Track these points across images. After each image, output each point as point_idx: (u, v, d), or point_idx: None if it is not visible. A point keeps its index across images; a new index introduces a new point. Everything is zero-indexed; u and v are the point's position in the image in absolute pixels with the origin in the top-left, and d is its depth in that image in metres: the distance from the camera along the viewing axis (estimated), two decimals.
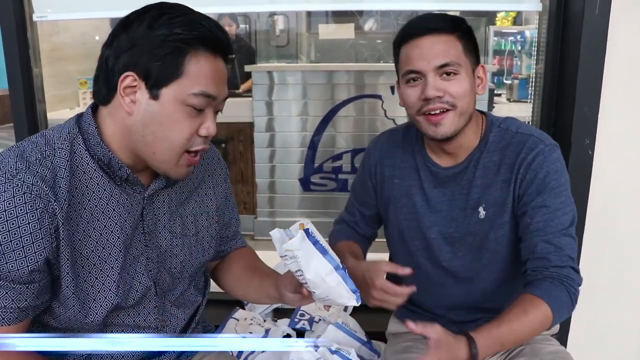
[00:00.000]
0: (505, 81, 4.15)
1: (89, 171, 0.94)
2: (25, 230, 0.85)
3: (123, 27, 0.92)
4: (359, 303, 1.02)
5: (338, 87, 3.09)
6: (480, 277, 1.29)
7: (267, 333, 1.81)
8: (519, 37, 4.03)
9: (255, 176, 3.25)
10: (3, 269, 0.86)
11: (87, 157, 0.94)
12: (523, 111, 3.51)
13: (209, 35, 0.92)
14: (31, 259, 0.87)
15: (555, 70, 1.73)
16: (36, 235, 0.86)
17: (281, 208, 3.26)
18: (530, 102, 1.90)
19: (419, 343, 1.32)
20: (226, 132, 3.29)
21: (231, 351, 1.71)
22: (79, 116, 0.98)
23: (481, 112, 1.29)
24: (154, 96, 0.91)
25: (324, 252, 0.98)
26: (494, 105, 3.40)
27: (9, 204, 0.84)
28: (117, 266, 0.98)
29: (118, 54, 0.91)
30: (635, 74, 1.64)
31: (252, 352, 1.76)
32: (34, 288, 0.90)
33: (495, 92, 3.64)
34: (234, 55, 0.99)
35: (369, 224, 1.47)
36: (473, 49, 1.22)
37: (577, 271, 1.18)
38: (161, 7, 0.93)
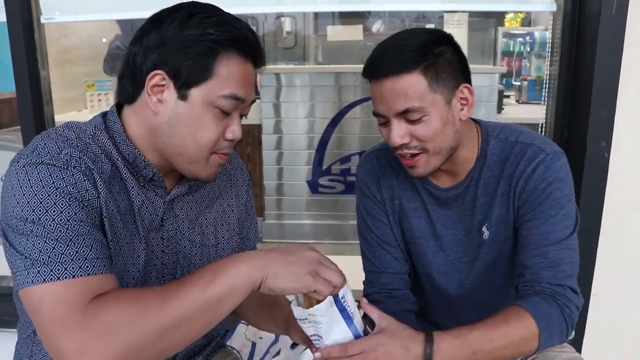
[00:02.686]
0: (514, 83, 4.12)
1: (118, 168, 0.91)
2: (76, 189, 0.82)
3: (153, 24, 0.90)
4: None
5: (346, 88, 3.07)
6: (493, 299, 1.19)
7: (277, 338, 1.79)
8: (528, 38, 3.99)
9: (263, 178, 3.23)
10: (73, 221, 0.80)
11: (116, 153, 0.91)
12: (532, 113, 3.50)
13: (241, 37, 0.90)
14: (89, 212, 0.83)
15: (570, 71, 1.71)
16: (86, 200, 0.83)
17: (289, 211, 3.24)
18: (542, 103, 1.88)
19: None
20: None
21: (240, 355, 1.70)
22: (104, 114, 0.96)
23: (475, 121, 1.19)
24: (183, 96, 0.89)
25: (349, 320, 0.90)
26: (502, 107, 3.37)
27: (57, 175, 0.81)
28: (138, 268, 0.94)
29: (147, 51, 0.89)
30: None
31: (263, 357, 1.74)
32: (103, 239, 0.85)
33: (504, 93, 3.62)
34: (264, 63, 0.97)
35: (407, 277, 1.26)
36: (451, 73, 1.06)
37: (576, 291, 1.07)
38: (193, 6, 0.91)
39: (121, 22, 3.14)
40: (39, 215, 0.78)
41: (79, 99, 3.05)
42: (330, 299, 0.86)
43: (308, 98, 3.10)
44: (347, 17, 3.71)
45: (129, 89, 0.92)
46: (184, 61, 0.87)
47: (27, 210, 0.78)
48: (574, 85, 1.71)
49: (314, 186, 3.18)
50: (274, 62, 4.21)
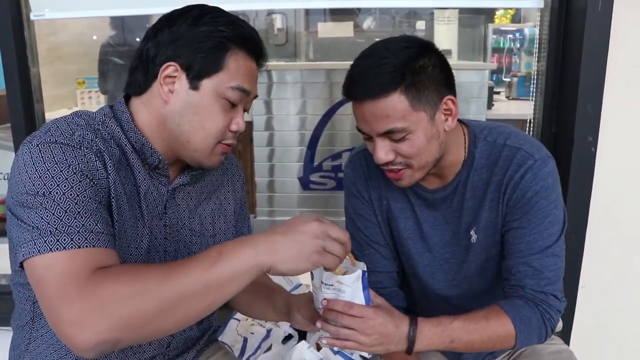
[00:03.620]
0: (504, 79, 4.15)
1: (126, 154, 0.96)
2: (87, 167, 0.86)
3: (166, 22, 0.98)
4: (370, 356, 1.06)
5: (337, 85, 3.06)
6: (482, 300, 1.19)
7: (268, 333, 1.80)
8: (517, 34, 4.02)
9: (254, 175, 3.23)
10: (82, 196, 0.83)
11: (124, 139, 0.97)
12: (522, 108, 3.53)
13: (248, 36, 0.99)
14: (98, 190, 0.86)
15: (557, 67, 1.72)
16: (96, 179, 0.87)
17: (280, 207, 3.24)
18: (530, 99, 1.90)
19: None
20: None
21: (232, 350, 1.71)
22: (111, 105, 1.02)
23: (462, 122, 1.18)
24: (194, 87, 0.96)
25: (368, 301, 0.99)
26: (493, 103, 3.39)
27: (70, 154, 0.84)
28: (141, 252, 0.97)
29: (160, 46, 0.97)
30: (638, 70, 1.63)
31: (254, 353, 1.75)
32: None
33: (495, 90, 3.64)
34: (266, 62, 1.04)
35: (396, 275, 1.29)
36: (434, 88, 1.04)
37: (558, 297, 1.10)
38: (203, 7, 1.00)
39: (114, 20, 3.13)
40: (50, 189, 0.81)
41: (70, 96, 3.04)
42: (359, 272, 0.94)
43: (299, 95, 3.10)
44: (338, 14, 3.71)
45: (141, 81, 0.98)
46: (197, 54, 0.95)
47: (39, 185, 0.81)
48: (561, 81, 1.72)
49: (305, 183, 3.18)
50: None
